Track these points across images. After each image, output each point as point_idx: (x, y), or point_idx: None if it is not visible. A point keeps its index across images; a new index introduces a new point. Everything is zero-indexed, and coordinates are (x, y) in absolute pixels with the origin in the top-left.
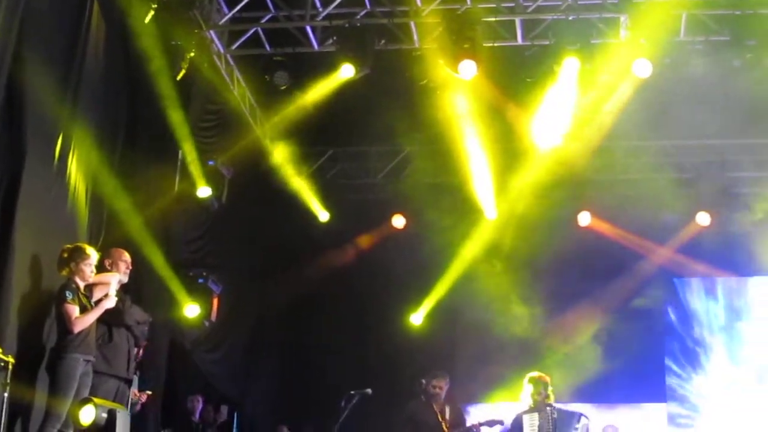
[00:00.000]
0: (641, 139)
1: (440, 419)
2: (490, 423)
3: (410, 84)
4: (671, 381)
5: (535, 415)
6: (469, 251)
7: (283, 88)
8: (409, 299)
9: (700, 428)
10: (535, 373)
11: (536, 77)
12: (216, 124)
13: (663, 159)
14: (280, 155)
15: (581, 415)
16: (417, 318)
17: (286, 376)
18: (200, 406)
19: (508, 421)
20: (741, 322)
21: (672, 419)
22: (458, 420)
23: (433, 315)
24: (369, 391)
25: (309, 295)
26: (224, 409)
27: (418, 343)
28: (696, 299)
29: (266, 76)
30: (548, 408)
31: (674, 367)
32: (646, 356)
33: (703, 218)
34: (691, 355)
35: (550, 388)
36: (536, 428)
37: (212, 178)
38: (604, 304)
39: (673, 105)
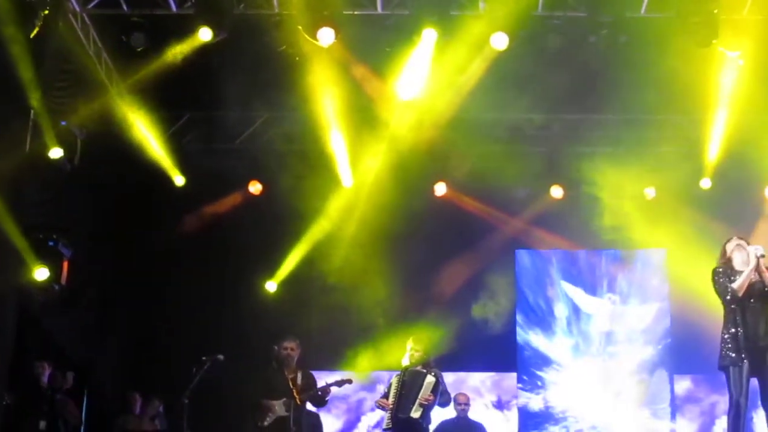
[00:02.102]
0: (498, 112)
1: (292, 385)
2: (339, 383)
3: (269, 50)
4: (522, 348)
5: (398, 378)
6: (325, 219)
7: (140, 49)
8: (264, 265)
9: (549, 394)
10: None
11: (395, 47)
12: (70, 84)
13: (519, 132)
14: (136, 118)
15: (428, 373)
16: (272, 285)
17: (138, 341)
18: (47, 372)
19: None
20: (585, 293)
21: (523, 386)
22: (310, 384)
23: (288, 282)
24: (221, 357)
25: (163, 260)
26: (70, 375)
27: (273, 310)
28: (544, 270)
29: (123, 37)
30: (407, 371)
31: (524, 335)
32: (497, 325)
33: (556, 191)
34: (539, 324)
35: (414, 351)
36: (395, 390)
37: (65, 139)
38: (457, 273)
39: (529, 79)
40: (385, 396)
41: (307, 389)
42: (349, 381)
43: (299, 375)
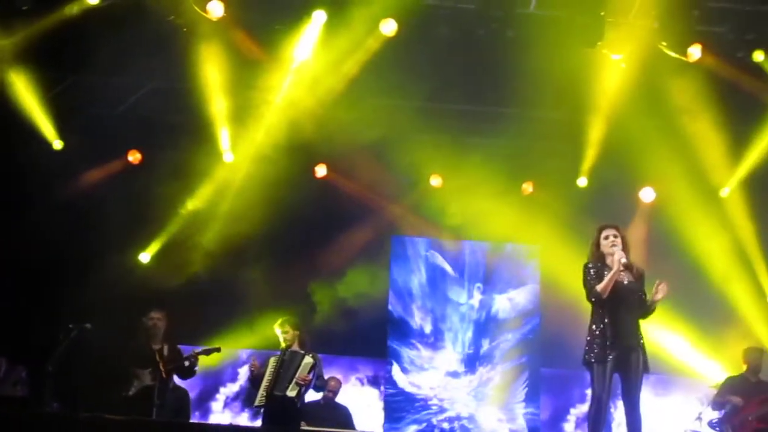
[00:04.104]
0: (382, 97)
1: (158, 357)
2: (207, 351)
3: (157, 19)
4: (393, 333)
5: (277, 357)
6: (204, 192)
7: (24, 8)
8: (139, 236)
9: (418, 380)
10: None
11: (285, 25)
12: None
13: (402, 118)
14: (16, 79)
15: (308, 354)
16: (145, 256)
17: (4, 307)
18: None
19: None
20: (457, 283)
21: (392, 370)
22: (176, 356)
23: (162, 254)
24: (88, 325)
25: (36, 225)
26: None
27: (145, 282)
28: (419, 257)
29: None
30: (287, 351)
31: (396, 321)
32: (370, 311)
33: (435, 180)
34: (410, 311)
35: (284, 333)
36: (273, 368)
37: None
38: (332, 255)
39: (415, 67)
40: (261, 374)
41: (173, 360)
42: (218, 349)
43: (166, 347)
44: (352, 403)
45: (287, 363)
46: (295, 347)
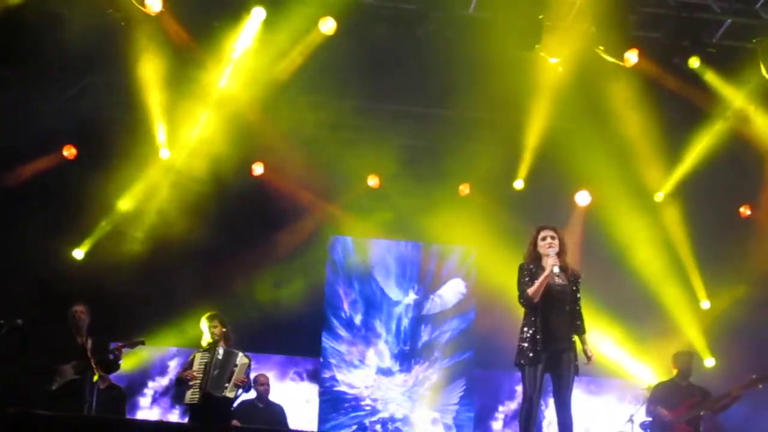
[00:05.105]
0: (321, 96)
1: (82, 350)
2: (132, 344)
3: (96, 12)
4: (326, 337)
5: (207, 354)
6: (139, 188)
7: None
8: (73, 232)
9: (353, 380)
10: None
11: (224, 21)
12: None
13: (340, 118)
14: None
15: (242, 354)
16: (79, 252)
17: None
18: None
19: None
20: (394, 283)
21: (328, 370)
22: (101, 349)
23: (96, 250)
24: (19, 321)
25: None
26: None
27: (78, 278)
28: (356, 257)
29: None
30: (218, 348)
31: (331, 320)
32: (305, 309)
33: (372, 181)
34: (346, 310)
35: (213, 328)
36: (203, 365)
37: None
38: (269, 253)
39: (354, 67)
40: (187, 370)
41: (97, 354)
42: (142, 342)
43: (90, 340)
44: (289, 400)
45: (221, 362)
46: (222, 344)
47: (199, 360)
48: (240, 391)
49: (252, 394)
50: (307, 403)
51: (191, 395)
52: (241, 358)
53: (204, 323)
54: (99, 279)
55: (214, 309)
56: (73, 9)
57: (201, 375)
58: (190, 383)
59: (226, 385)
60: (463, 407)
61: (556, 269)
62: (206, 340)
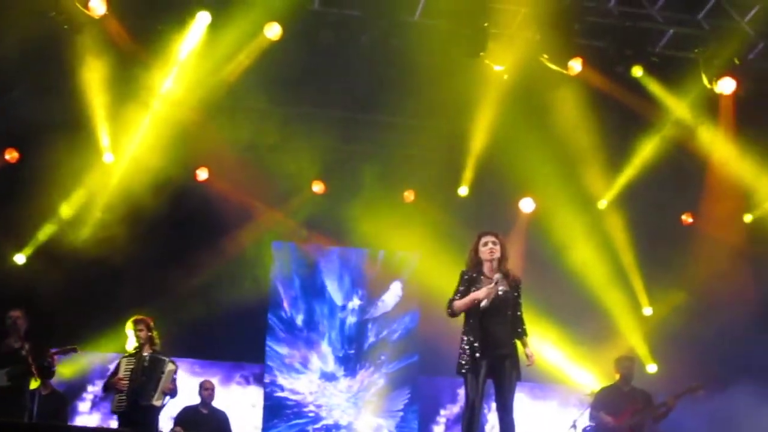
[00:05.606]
0: (265, 103)
1: (17, 356)
2: (65, 351)
3: (38, 15)
4: (270, 342)
5: (132, 359)
6: (81, 193)
7: None
8: (14, 236)
9: (297, 386)
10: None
11: (168, 25)
12: None
13: (285, 125)
14: None
15: (169, 361)
16: (20, 257)
17: None
18: None
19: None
20: (338, 289)
21: (271, 377)
22: (36, 355)
23: (37, 255)
24: None
25: None
26: None
27: (19, 283)
28: (300, 263)
29: None
30: (144, 354)
31: (275, 326)
32: (249, 315)
33: (317, 187)
34: (290, 316)
35: (138, 331)
36: (129, 371)
37: None
38: (212, 259)
39: (299, 73)
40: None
41: (33, 360)
42: (74, 350)
43: (27, 346)
44: (235, 405)
45: (148, 369)
46: (148, 348)
47: (124, 366)
48: (167, 398)
49: (196, 400)
50: (253, 408)
51: (118, 402)
52: (167, 365)
53: (129, 327)
54: (40, 284)
55: (156, 314)
56: (16, 12)
57: (127, 381)
58: (117, 390)
59: (153, 393)
60: (408, 414)
61: (486, 302)
62: (132, 344)
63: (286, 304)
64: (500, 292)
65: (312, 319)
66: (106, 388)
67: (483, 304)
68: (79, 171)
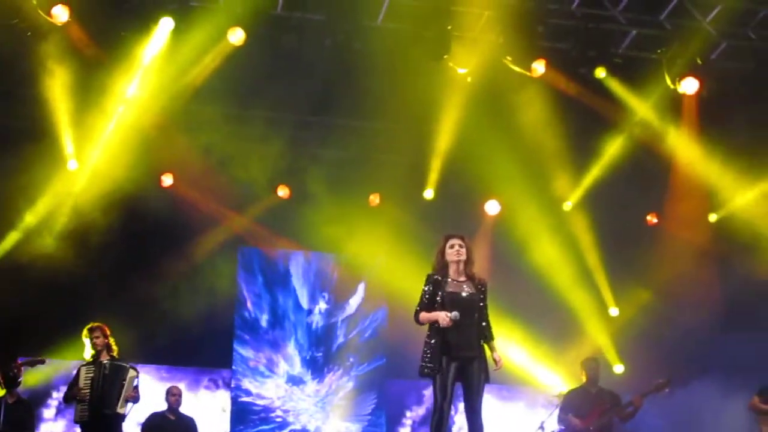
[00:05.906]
0: (229, 107)
1: None
2: (31, 362)
3: (1, 22)
4: (238, 348)
5: (92, 368)
6: (46, 201)
7: None
8: None
9: (265, 391)
10: (95, 326)
11: (131, 31)
12: None
13: (249, 129)
14: None
15: (130, 367)
16: None
17: None
18: None
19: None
20: (305, 294)
21: (233, 385)
22: (4, 363)
23: (2, 263)
24: None
25: None
26: None
27: None
28: (266, 268)
29: None
30: (103, 362)
31: (242, 332)
32: (215, 321)
33: (282, 191)
34: (257, 321)
35: (95, 338)
36: (89, 380)
37: None
38: (177, 266)
39: (263, 77)
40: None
41: (1, 368)
42: (42, 361)
43: None
44: (203, 409)
45: (110, 377)
46: (105, 355)
47: (84, 375)
48: (130, 405)
49: (163, 406)
50: (223, 412)
51: (81, 412)
52: (128, 371)
53: (85, 336)
54: (4, 292)
55: (123, 320)
56: None
57: (88, 390)
58: (79, 399)
59: (116, 401)
60: (376, 418)
61: (445, 322)
62: (89, 353)
63: (249, 304)
64: (464, 294)
65: (278, 323)
66: (67, 398)
67: (443, 324)
68: (43, 178)
